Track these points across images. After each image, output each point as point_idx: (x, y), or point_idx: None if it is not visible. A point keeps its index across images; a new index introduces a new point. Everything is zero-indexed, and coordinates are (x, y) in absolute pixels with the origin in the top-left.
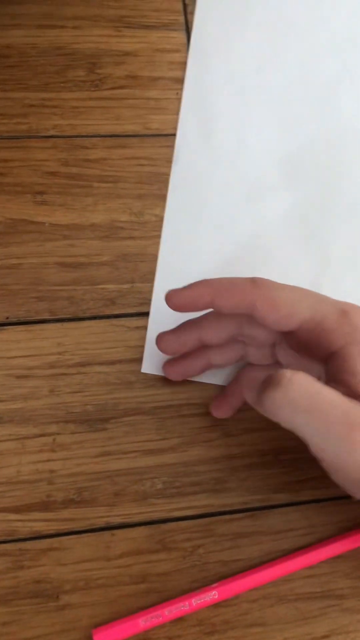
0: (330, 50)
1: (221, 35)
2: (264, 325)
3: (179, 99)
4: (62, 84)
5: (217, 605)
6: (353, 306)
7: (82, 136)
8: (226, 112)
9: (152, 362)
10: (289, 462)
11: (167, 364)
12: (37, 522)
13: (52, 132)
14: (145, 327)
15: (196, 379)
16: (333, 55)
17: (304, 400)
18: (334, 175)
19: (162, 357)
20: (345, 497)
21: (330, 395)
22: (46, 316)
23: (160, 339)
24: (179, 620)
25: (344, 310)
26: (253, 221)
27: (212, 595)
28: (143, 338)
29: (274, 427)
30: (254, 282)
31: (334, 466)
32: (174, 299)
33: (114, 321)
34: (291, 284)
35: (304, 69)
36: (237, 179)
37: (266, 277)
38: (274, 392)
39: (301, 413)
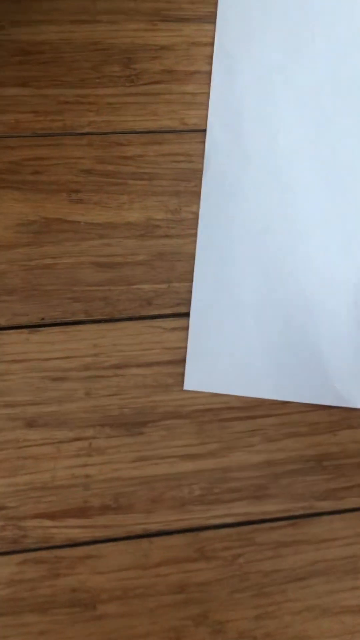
0: (358, 42)
1: (245, 31)
2: None
3: None
4: (97, 80)
5: (257, 617)
6: None
7: (118, 133)
8: (255, 110)
9: (195, 377)
10: (333, 469)
11: None
12: (73, 529)
13: (87, 129)
14: (182, 328)
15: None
16: None
17: None
18: None
19: (207, 371)
20: None
21: None
22: (82, 317)
23: None
24: (218, 632)
25: None
26: (289, 221)
27: None
28: (180, 340)
29: (317, 431)
30: None
31: None
32: None
33: (150, 322)
34: (332, 288)
35: (332, 62)
36: (270, 178)
37: (306, 282)
38: None
39: None
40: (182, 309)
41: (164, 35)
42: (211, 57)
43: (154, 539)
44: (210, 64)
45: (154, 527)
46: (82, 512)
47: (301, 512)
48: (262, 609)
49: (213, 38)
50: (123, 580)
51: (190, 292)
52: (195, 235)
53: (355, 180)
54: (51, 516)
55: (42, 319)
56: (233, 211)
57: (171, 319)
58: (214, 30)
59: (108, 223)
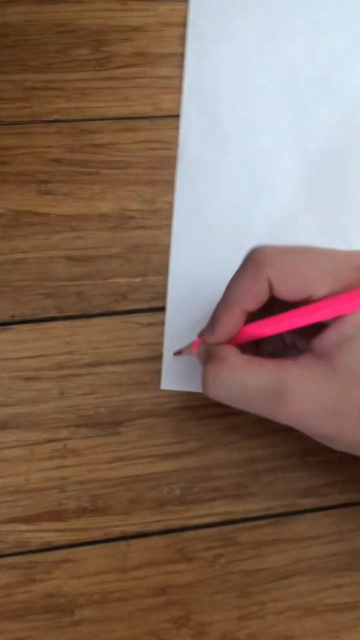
0: (337, 24)
1: (220, 10)
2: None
3: None
4: (65, 64)
5: (240, 618)
6: None
7: (89, 120)
8: (231, 94)
9: (172, 376)
10: (316, 464)
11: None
12: (48, 533)
13: (56, 116)
14: (159, 323)
15: None
16: (340, 29)
17: (229, 387)
18: (352, 157)
19: (184, 370)
20: None
21: (254, 381)
22: (54, 314)
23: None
24: (201, 634)
25: (357, 266)
26: (267, 209)
27: None
28: (156, 335)
29: None
30: (260, 266)
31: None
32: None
33: (126, 318)
34: None
35: (311, 44)
36: (247, 165)
37: None
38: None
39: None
40: (159, 303)
41: (135, 16)
42: (185, 38)
43: (133, 541)
44: (184, 45)
45: (132, 529)
46: (57, 515)
47: (283, 510)
48: (245, 610)
49: (187, 18)
50: (101, 584)
51: (166, 285)
52: (171, 226)
53: (335, 166)
54: (26, 520)
55: (12, 316)
56: (209, 200)
57: (147, 313)
58: (187, 9)
59: (80, 215)
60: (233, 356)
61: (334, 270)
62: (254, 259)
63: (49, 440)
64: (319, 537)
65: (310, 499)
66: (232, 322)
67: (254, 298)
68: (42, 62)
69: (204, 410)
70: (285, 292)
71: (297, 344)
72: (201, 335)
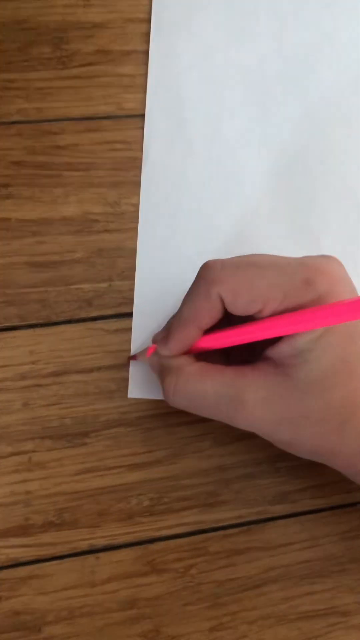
0: (304, 19)
1: (184, 6)
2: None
3: None
4: (25, 63)
5: (212, 629)
6: (318, 270)
7: (50, 120)
8: (196, 93)
9: (139, 384)
10: (286, 471)
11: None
12: (14, 549)
13: (15, 118)
14: (126, 329)
15: None
16: (308, 25)
17: (188, 396)
18: (320, 157)
19: (152, 378)
20: (349, 505)
21: (212, 388)
22: (16, 322)
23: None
24: None
25: (307, 279)
26: (234, 211)
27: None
28: (123, 342)
29: None
30: (210, 285)
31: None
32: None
33: (91, 324)
34: None
35: (278, 41)
36: (214, 166)
37: None
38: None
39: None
40: (125, 309)
41: (97, 12)
42: (149, 34)
43: (101, 555)
44: (148, 42)
45: (100, 542)
46: (23, 530)
47: (255, 517)
48: (216, 620)
49: (150, 14)
50: (69, 599)
51: (133, 290)
52: (136, 229)
53: (302, 166)
54: None
55: None
56: (175, 202)
57: (114, 320)
58: (150, 4)
59: (42, 219)
60: (188, 365)
61: (283, 285)
62: (204, 277)
63: (13, 454)
64: (290, 544)
65: (281, 505)
66: (187, 339)
67: (207, 317)
68: (0, 60)
69: (172, 418)
70: (236, 308)
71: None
72: (154, 342)
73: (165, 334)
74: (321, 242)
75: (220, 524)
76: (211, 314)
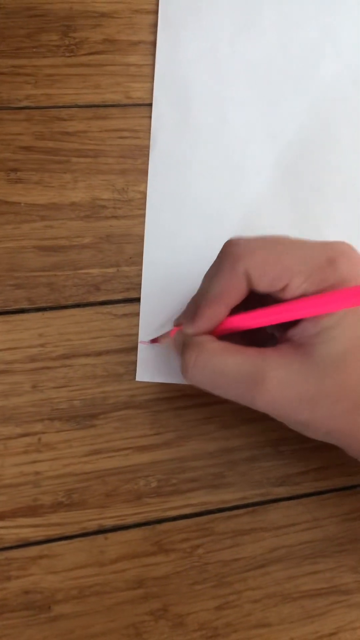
0: (307, 16)
1: (190, 1)
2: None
3: None
4: (34, 50)
5: (218, 607)
6: (339, 250)
7: (59, 107)
8: (203, 84)
9: (147, 367)
10: (290, 454)
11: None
12: (24, 529)
13: (25, 103)
14: (134, 314)
15: None
16: (311, 21)
17: (207, 371)
18: (322, 149)
19: (159, 361)
20: (350, 487)
21: (233, 366)
22: (25, 305)
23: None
24: (179, 625)
25: (331, 259)
26: (240, 199)
27: None
28: (131, 326)
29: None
30: (236, 260)
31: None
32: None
33: (99, 309)
34: None
35: (282, 36)
36: (219, 154)
37: None
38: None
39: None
40: (133, 294)
41: (104, 2)
42: (156, 25)
43: (110, 535)
44: (155, 33)
45: (109, 523)
46: (32, 510)
47: (259, 499)
48: (222, 599)
49: (157, 5)
50: (78, 578)
51: (140, 275)
52: (143, 215)
53: (306, 156)
54: (0, 516)
55: None
56: (182, 190)
57: (121, 304)
58: None
59: (51, 204)
60: (211, 342)
61: (309, 262)
62: (230, 253)
63: (23, 435)
64: (293, 525)
65: (285, 487)
66: (214, 317)
67: (234, 294)
68: (9, 47)
69: (179, 401)
70: (263, 283)
71: (275, 333)
72: (177, 324)
73: (189, 315)
74: (325, 232)
75: (225, 505)
76: (237, 291)
